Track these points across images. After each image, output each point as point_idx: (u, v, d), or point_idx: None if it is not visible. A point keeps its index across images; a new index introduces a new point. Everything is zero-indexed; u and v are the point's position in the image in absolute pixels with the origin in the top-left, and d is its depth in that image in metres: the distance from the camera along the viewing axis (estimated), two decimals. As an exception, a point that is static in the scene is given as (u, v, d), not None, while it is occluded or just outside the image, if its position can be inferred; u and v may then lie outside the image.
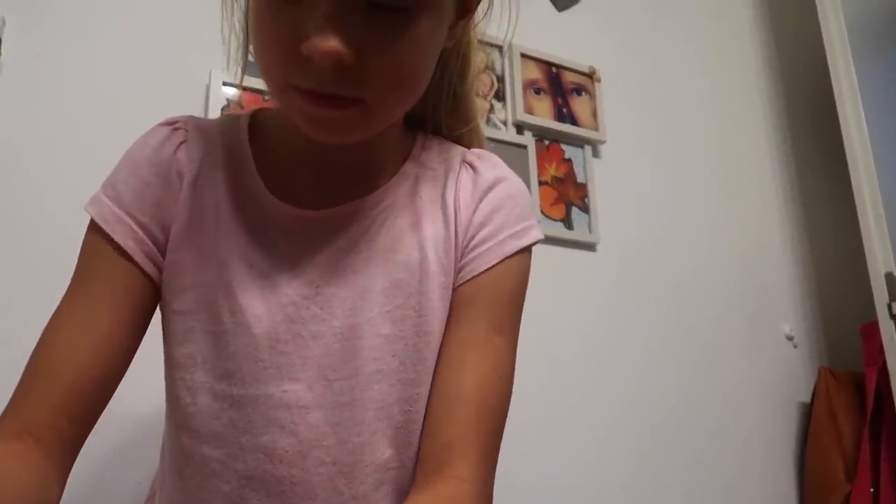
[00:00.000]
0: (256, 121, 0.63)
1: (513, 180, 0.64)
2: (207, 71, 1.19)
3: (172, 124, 0.61)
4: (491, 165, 0.64)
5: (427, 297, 0.58)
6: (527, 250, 0.61)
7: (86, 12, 1.15)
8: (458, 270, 0.59)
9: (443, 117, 0.66)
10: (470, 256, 0.59)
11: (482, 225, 0.60)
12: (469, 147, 0.67)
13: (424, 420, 0.57)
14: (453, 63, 0.63)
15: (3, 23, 1.06)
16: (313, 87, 0.48)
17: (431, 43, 0.52)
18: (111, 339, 0.54)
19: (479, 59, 0.65)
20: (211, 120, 0.64)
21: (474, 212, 0.60)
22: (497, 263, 0.59)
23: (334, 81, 0.47)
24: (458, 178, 0.62)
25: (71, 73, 1.11)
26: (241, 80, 0.65)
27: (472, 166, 0.63)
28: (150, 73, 1.16)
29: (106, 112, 1.10)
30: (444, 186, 0.62)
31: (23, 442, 0.48)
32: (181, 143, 0.60)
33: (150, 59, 1.17)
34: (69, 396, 0.51)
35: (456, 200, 0.60)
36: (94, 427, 0.53)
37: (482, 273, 0.58)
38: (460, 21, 0.56)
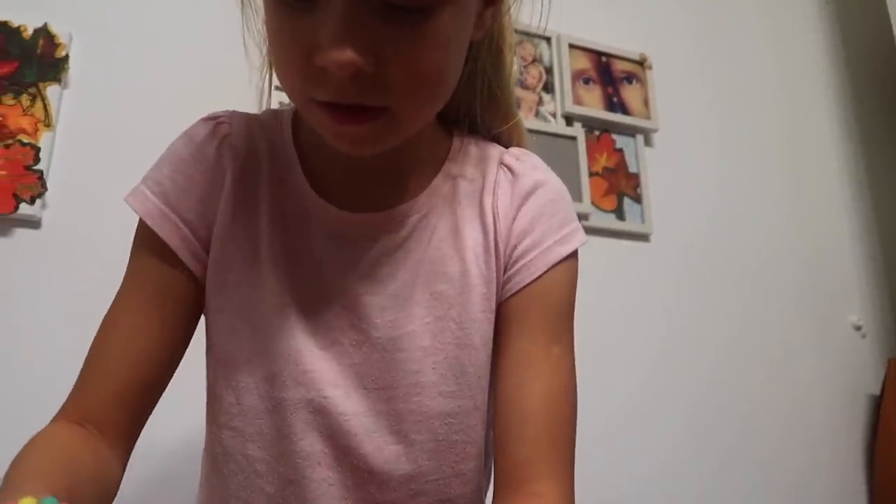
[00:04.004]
0: (299, 118, 0.61)
1: (552, 183, 0.61)
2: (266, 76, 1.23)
3: (216, 119, 0.60)
4: (530, 167, 0.61)
5: (468, 310, 0.56)
6: (572, 255, 0.59)
7: (150, 25, 1.20)
8: (505, 282, 0.58)
9: (479, 114, 0.62)
10: (515, 268, 0.57)
11: (524, 234, 0.58)
12: (510, 144, 0.64)
13: (495, 438, 0.56)
14: (486, 55, 0.59)
15: (71, 38, 1.12)
16: (334, 100, 0.46)
17: (456, 39, 0.48)
18: (159, 340, 0.55)
19: (514, 48, 0.61)
20: (253, 115, 0.62)
21: (514, 220, 0.58)
22: (544, 273, 0.57)
23: (355, 92, 0.45)
24: (496, 182, 0.60)
25: (136, 85, 1.16)
26: (270, 90, 0.63)
27: (510, 169, 0.60)
28: (213, 82, 1.19)
29: (171, 122, 1.14)
30: (482, 191, 0.59)
31: (84, 428, 0.52)
32: (225, 137, 0.59)
33: (213, 68, 1.20)
34: (122, 392, 0.53)
35: (494, 207, 0.58)
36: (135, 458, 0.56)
37: (530, 284, 0.57)
38: (489, 9, 0.53)
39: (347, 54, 0.43)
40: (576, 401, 0.56)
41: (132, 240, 0.58)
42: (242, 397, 0.56)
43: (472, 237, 0.58)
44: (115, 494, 0.51)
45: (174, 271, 0.56)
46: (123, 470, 0.54)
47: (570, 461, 0.54)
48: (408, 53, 0.45)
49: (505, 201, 0.59)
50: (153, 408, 0.56)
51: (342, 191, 0.58)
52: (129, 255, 0.58)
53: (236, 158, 0.58)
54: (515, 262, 0.57)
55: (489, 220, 0.58)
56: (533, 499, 0.51)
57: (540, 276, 0.57)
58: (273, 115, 0.62)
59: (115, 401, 0.53)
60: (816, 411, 1.61)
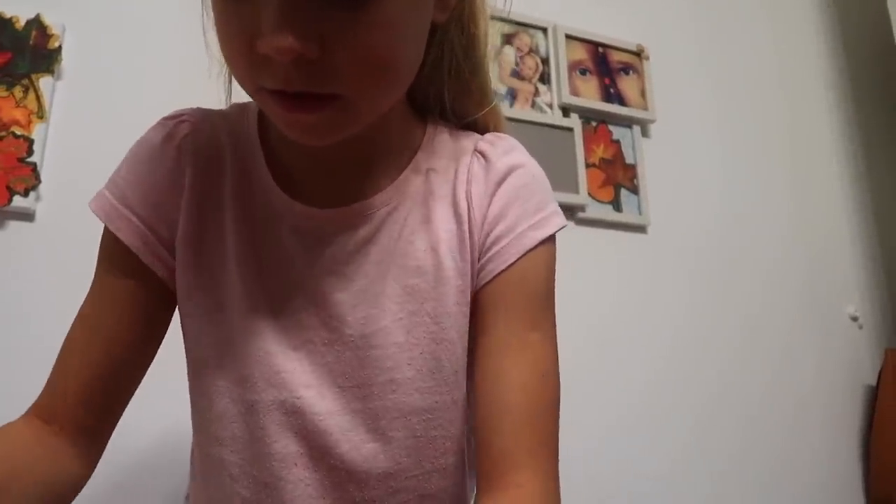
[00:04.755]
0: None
1: (527, 167, 0.59)
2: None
3: (176, 118, 0.59)
4: (503, 152, 0.59)
5: (442, 304, 0.55)
6: (549, 239, 0.57)
7: (143, 16, 1.19)
8: (479, 270, 0.56)
9: (449, 101, 0.60)
10: (489, 255, 0.56)
11: (497, 220, 0.56)
12: (486, 131, 0.62)
13: (475, 431, 0.54)
14: (455, 39, 0.56)
15: (63, 29, 1.11)
16: (281, 87, 0.44)
17: (408, 21, 0.46)
18: (122, 339, 0.55)
19: (487, 32, 0.58)
20: (218, 110, 0.61)
21: (488, 206, 0.56)
22: (518, 259, 0.55)
23: (300, 79, 0.43)
24: (469, 169, 0.58)
25: (130, 76, 1.15)
26: (231, 81, 0.59)
27: (483, 155, 0.58)
28: (207, 73, 1.19)
29: (164, 114, 1.13)
30: (455, 180, 0.58)
31: (49, 425, 0.52)
32: (185, 136, 0.57)
33: (207, 59, 1.20)
34: (85, 391, 0.53)
35: (468, 195, 0.57)
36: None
37: (504, 271, 0.55)
38: None
39: (287, 39, 0.41)
40: (558, 388, 0.55)
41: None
42: (215, 401, 0.55)
43: (444, 229, 0.56)
44: (70, 488, 0.51)
45: (137, 275, 0.56)
46: (88, 467, 0.54)
47: (551, 449, 0.53)
48: (353, 38, 0.43)
49: (479, 188, 0.57)
50: (122, 408, 0.56)
51: (308, 185, 0.56)
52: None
53: (197, 157, 0.57)
54: (489, 249, 0.56)
55: (463, 209, 0.56)
56: (511, 490, 0.50)
57: (514, 263, 0.55)
58: (239, 109, 0.61)
59: (77, 399, 0.53)
60: (812, 401, 1.61)
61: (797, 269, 1.70)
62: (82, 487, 0.53)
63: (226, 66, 0.57)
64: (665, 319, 1.50)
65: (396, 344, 0.54)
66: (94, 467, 0.55)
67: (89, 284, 0.59)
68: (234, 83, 0.59)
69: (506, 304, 0.55)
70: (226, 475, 0.55)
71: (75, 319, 0.56)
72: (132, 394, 0.57)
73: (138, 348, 0.56)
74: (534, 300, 0.56)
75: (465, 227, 0.56)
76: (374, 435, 0.54)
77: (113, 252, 0.56)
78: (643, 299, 1.50)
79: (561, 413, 0.55)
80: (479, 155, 0.59)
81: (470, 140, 0.60)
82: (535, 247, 0.56)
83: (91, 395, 0.54)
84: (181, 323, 0.58)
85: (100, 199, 0.57)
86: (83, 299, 0.59)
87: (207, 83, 1.21)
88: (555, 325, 0.57)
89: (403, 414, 0.54)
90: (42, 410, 0.53)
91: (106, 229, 0.56)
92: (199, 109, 0.60)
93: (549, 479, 0.52)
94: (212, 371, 0.56)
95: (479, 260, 0.56)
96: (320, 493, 0.54)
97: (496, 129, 0.63)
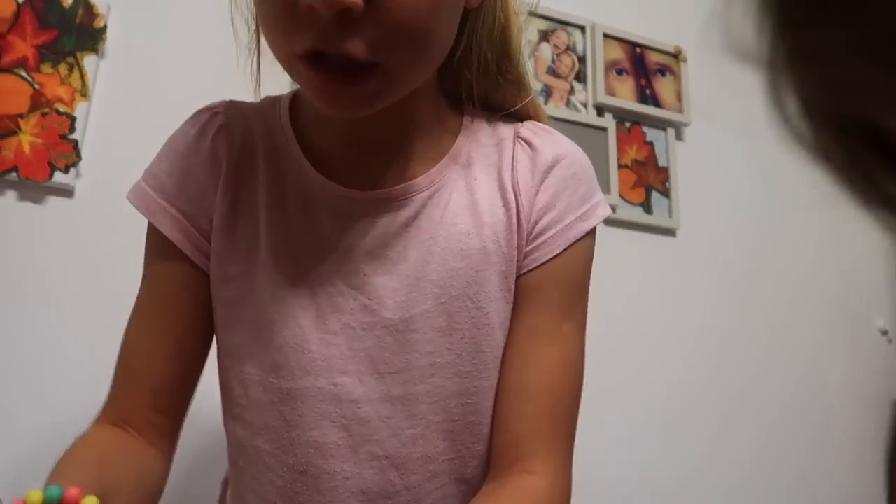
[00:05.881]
0: (297, 100, 0.60)
1: (574, 155, 0.59)
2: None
3: (211, 110, 0.60)
4: (549, 140, 0.59)
5: (485, 288, 0.54)
6: (591, 230, 0.58)
7: (188, -1, 1.20)
8: (524, 257, 0.56)
9: (479, 93, 0.59)
10: (535, 244, 0.56)
11: (546, 210, 0.56)
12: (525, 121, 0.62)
13: (494, 413, 0.55)
14: (487, 29, 0.56)
15: (109, 9, 1.13)
16: (318, 47, 0.43)
17: None
18: (184, 336, 0.56)
19: (517, 23, 0.58)
20: (250, 103, 0.62)
21: (536, 194, 0.56)
22: (563, 250, 0.55)
23: (340, 36, 0.43)
24: (514, 156, 0.57)
25: (172, 57, 1.16)
26: (259, 69, 0.60)
27: (527, 143, 0.58)
28: (236, 65, 1.20)
29: (206, 96, 1.13)
30: (500, 166, 0.57)
31: (123, 430, 0.53)
32: (220, 127, 0.58)
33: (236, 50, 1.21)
34: (153, 392, 0.54)
35: (514, 182, 0.56)
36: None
37: (548, 261, 0.55)
38: None
39: None
40: (581, 380, 0.55)
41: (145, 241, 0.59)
42: (250, 389, 0.55)
43: (491, 213, 0.56)
44: (158, 489, 0.52)
45: (184, 266, 0.56)
46: (168, 464, 0.55)
47: (567, 439, 0.53)
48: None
49: (525, 176, 0.57)
50: (189, 402, 0.57)
51: (346, 169, 0.56)
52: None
53: (232, 148, 0.58)
54: (536, 237, 0.56)
55: (510, 196, 0.56)
56: (524, 477, 0.50)
57: (559, 254, 0.56)
58: (271, 101, 0.61)
59: (149, 401, 0.54)
60: (841, 416, 1.59)
61: (827, 280, 1.68)
62: (165, 485, 0.54)
63: (254, 54, 0.58)
64: (690, 324, 1.49)
65: (437, 328, 0.54)
66: (171, 464, 0.56)
67: (127, 260, 0.60)
68: (263, 77, 0.60)
69: (544, 292, 0.55)
70: (261, 463, 0.55)
71: (130, 323, 0.57)
72: (196, 385, 0.58)
73: (198, 337, 0.57)
74: (571, 291, 0.57)
75: (514, 214, 0.56)
76: (413, 420, 0.54)
77: (160, 244, 0.57)
78: (669, 303, 1.49)
79: (583, 414, 0.56)
80: (522, 142, 0.58)
81: (509, 127, 0.60)
82: (580, 238, 0.56)
83: (161, 395, 0.54)
84: (214, 310, 0.59)
85: (138, 191, 0.58)
86: (121, 276, 0.60)
87: (248, 64, 1.22)
88: (586, 318, 0.58)
89: (442, 398, 0.54)
90: (114, 416, 0.54)
91: (151, 228, 0.57)
92: (231, 102, 0.61)
93: (561, 471, 0.52)
94: (245, 359, 0.55)
95: (524, 247, 0.56)
96: (359, 481, 0.53)
97: (535, 119, 0.63)
